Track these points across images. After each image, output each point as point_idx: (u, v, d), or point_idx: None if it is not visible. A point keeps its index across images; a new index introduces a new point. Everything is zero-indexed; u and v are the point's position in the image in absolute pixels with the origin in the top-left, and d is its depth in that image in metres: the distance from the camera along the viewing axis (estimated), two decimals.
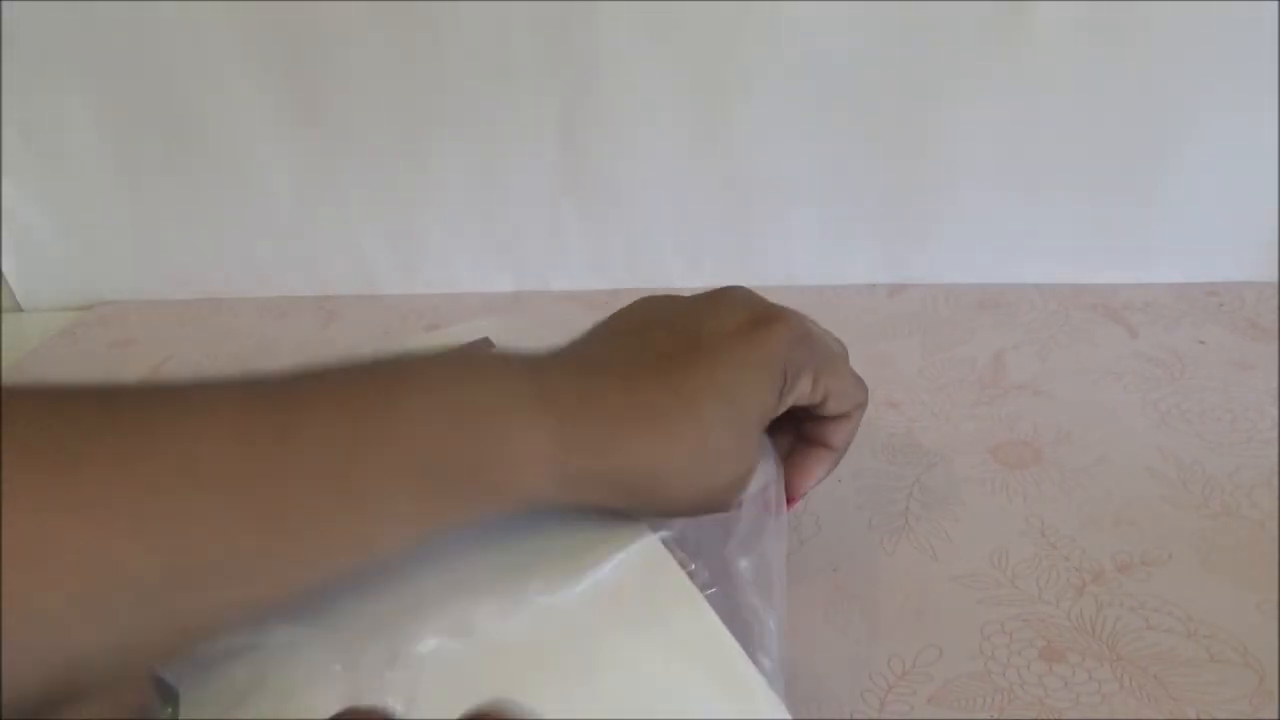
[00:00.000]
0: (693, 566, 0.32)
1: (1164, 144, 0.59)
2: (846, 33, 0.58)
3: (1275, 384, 0.51)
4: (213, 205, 0.67)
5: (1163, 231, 0.61)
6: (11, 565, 0.22)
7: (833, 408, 0.36)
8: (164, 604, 0.25)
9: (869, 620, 0.38)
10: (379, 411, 0.28)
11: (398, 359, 0.30)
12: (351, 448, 0.27)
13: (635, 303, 0.36)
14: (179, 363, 0.62)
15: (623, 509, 0.32)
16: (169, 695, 0.29)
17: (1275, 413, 0.49)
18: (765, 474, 0.34)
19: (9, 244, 0.69)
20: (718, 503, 0.33)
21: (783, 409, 0.34)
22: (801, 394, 0.34)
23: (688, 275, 0.66)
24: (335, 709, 0.22)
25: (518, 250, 0.67)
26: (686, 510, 0.33)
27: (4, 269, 0.70)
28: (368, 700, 0.27)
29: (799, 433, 0.39)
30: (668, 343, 0.33)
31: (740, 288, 0.36)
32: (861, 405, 0.38)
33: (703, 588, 0.31)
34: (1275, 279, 0.61)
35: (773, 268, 0.66)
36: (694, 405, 0.31)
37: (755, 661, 0.29)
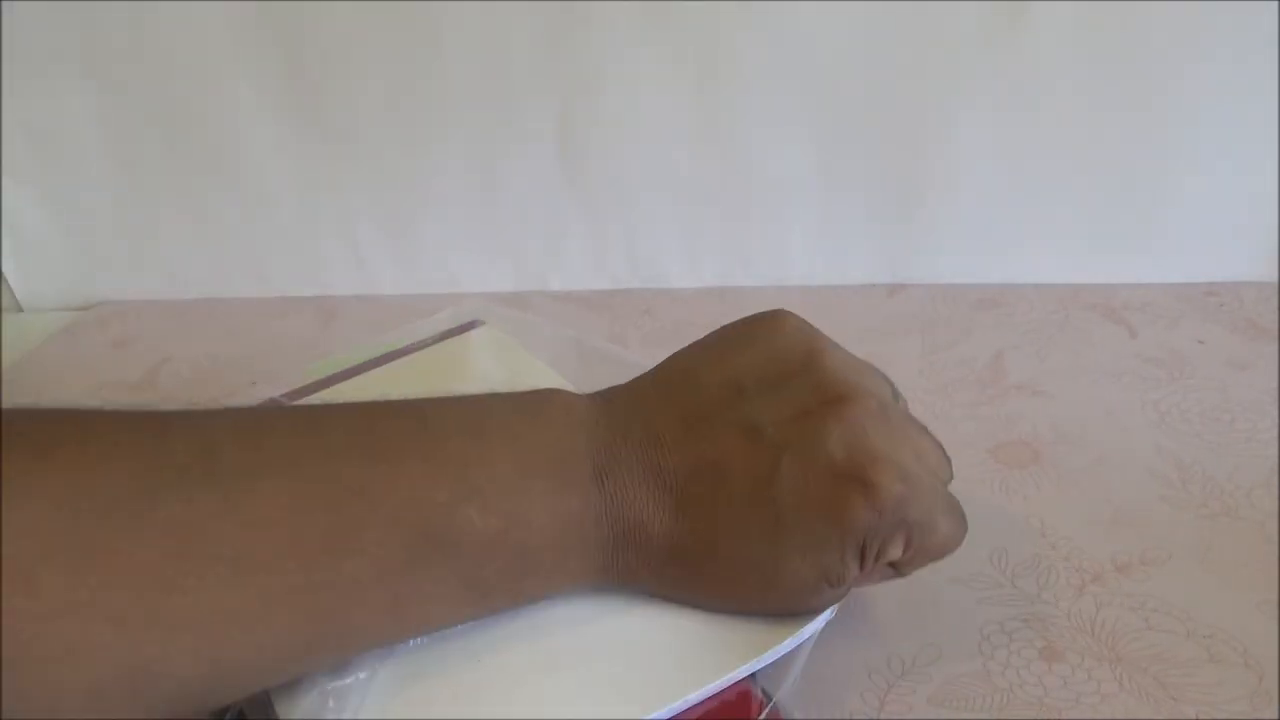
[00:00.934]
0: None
1: (1162, 144, 0.59)
2: (845, 33, 0.58)
3: (1274, 384, 0.51)
4: (212, 205, 0.67)
5: (1161, 231, 0.62)
6: (41, 668, 0.22)
7: (919, 564, 0.32)
8: (199, 698, 0.25)
9: (868, 620, 0.38)
10: (438, 528, 0.27)
11: (461, 443, 0.28)
12: (403, 568, 0.26)
13: (683, 362, 0.33)
14: (178, 363, 0.62)
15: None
16: None
17: (1274, 412, 0.49)
18: None
19: (9, 244, 0.69)
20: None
21: (867, 582, 0.31)
22: (889, 558, 0.30)
23: (687, 275, 0.66)
24: None
25: (517, 250, 0.67)
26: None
27: (4, 269, 0.70)
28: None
29: None
30: (724, 456, 0.29)
31: (788, 321, 0.32)
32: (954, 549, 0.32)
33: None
34: (1274, 278, 0.61)
35: (772, 268, 0.66)
36: (736, 582, 0.30)
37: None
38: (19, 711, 0.22)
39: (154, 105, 0.64)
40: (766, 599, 0.30)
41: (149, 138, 0.65)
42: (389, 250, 0.68)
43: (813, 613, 0.30)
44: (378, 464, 0.27)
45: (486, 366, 0.42)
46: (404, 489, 0.27)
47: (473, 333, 0.45)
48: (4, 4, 0.60)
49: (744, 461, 0.29)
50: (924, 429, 0.33)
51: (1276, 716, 0.33)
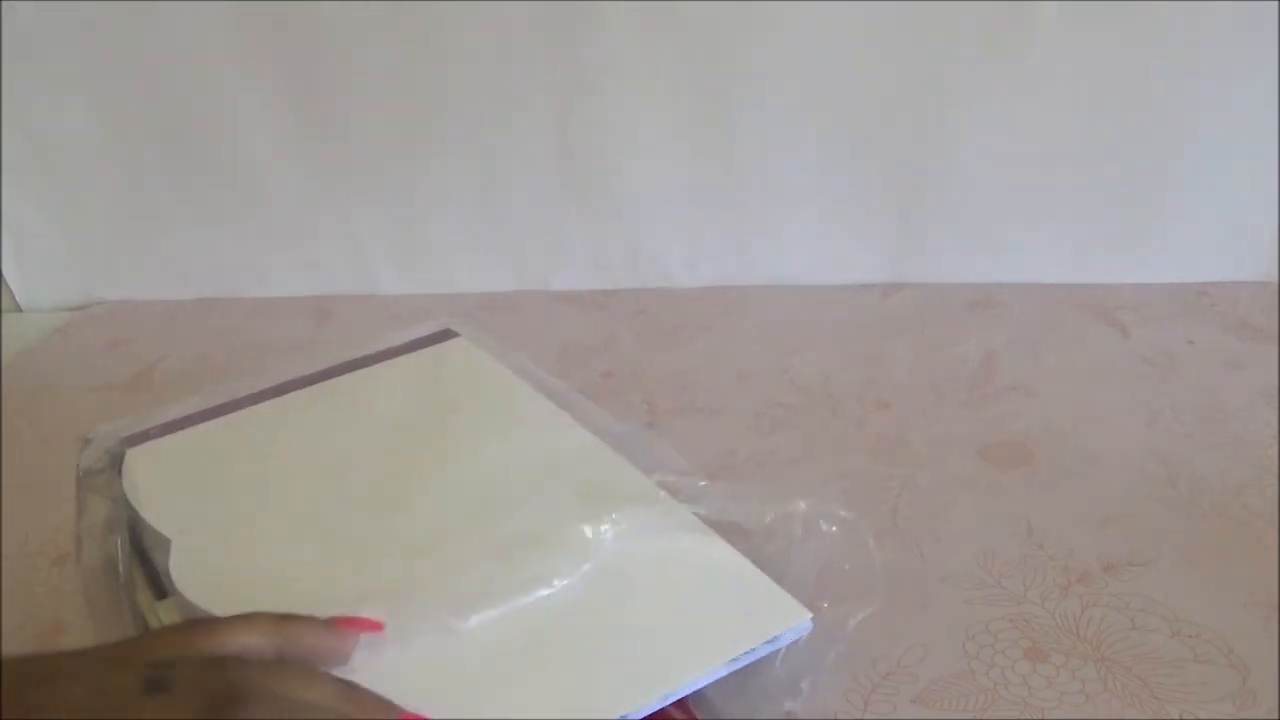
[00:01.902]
0: None
1: (1157, 146, 0.59)
2: (844, 35, 0.58)
3: (1265, 384, 0.52)
4: (211, 205, 0.67)
5: (1155, 232, 0.62)
6: None
7: None
8: None
9: (852, 620, 0.38)
10: None
11: None
12: None
13: None
14: (172, 362, 0.62)
15: None
16: None
17: (1265, 413, 0.49)
18: None
19: (9, 244, 0.69)
20: None
21: None
22: None
23: (687, 275, 0.66)
24: None
25: (518, 250, 0.67)
26: None
27: (3, 269, 0.70)
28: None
29: None
30: None
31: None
32: None
33: None
34: (1266, 279, 0.61)
35: (769, 268, 0.66)
36: None
37: None
38: None
39: (153, 107, 0.64)
40: None
41: (148, 139, 0.65)
42: (388, 250, 0.68)
43: None
44: None
45: (454, 382, 0.42)
46: None
47: (446, 345, 0.45)
48: (4, 5, 0.61)
49: None
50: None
51: (1260, 717, 0.33)
